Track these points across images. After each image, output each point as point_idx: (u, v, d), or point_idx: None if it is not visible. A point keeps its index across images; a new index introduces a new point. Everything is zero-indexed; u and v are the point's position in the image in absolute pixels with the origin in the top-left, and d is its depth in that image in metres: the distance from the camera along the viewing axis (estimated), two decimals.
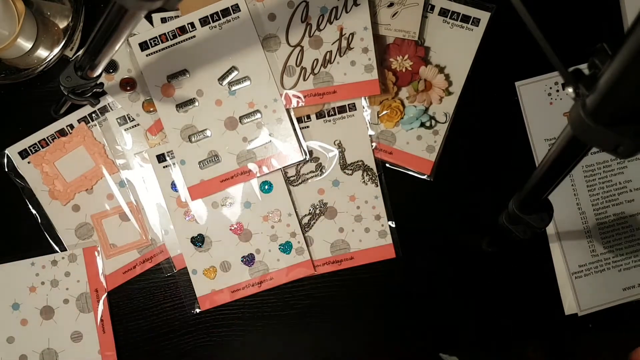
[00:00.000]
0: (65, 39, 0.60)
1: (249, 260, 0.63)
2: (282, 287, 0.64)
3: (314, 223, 0.64)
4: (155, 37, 0.61)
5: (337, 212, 0.64)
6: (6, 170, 0.62)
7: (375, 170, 0.64)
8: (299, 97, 0.63)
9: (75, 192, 0.63)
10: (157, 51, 0.61)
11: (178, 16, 0.62)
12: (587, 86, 0.29)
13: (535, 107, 0.65)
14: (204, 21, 0.61)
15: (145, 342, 0.64)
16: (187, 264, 0.63)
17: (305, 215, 0.64)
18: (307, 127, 0.64)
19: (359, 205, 0.64)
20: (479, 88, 0.64)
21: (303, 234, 0.64)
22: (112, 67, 0.62)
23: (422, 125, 0.64)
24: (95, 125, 0.63)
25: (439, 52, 0.64)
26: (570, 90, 0.30)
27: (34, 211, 0.63)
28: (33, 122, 0.62)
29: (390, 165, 0.65)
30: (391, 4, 0.63)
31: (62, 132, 0.63)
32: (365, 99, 0.64)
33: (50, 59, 0.60)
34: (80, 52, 0.52)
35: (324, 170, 0.64)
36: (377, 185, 0.64)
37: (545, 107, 0.65)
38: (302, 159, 0.63)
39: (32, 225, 0.63)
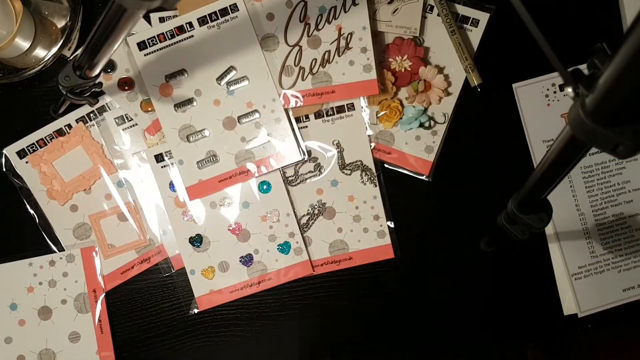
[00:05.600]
0: (63, 38, 0.60)
1: (247, 260, 0.63)
2: (281, 287, 0.64)
3: (313, 223, 0.64)
4: (154, 37, 0.61)
5: (335, 212, 0.64)
6: (4, 170, 0.62)
7: (373, 170, 0.64)
8: (297, 97, 0.63)
9: (73, 192, 0.63)
10: (155, 51, 0.61)
11: (176, 16, 0.62)
12: (586, 86, 0.29)
13: (532, 108, 0.65)
14: (202, 21, 0.61)
15: (143, 342, 0.64)
16: (185, 264, 0.63)
17: (304, 216, 0.64)
18: (306, 127, 0.64)
19: (358, 205, 0.64)
20: (478, 89, 0.64)
21: (301, 234, 0.64)
22: (110, 66, 0.62)
23: (421, 125, 0.64)
24: (93, 125, 0.63)
25: (438, 53, 0.64)
26: (569, 90, 0.30)
27: (31, 211, 0.63)
28: (31, 121, 0.62)
29: (388, 165, 0.65)
30: (391, 1, 0.63)
31: (60, 132, 0.62)
32: (364, 99, 0.64)
33: (48, 59, 0.60)
34: (79, 52, 0.52)
35: (322, 170, 0.64)
36: (376, 186, 0.64)
37: (543, 109, 0.65)
38: (300, 159, 0.63)
39: (30, 225, 0.63)
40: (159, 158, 0.63)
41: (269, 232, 0.63)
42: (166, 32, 0.61)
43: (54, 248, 0.63)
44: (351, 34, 0.62)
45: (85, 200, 0.63)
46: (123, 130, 0.63)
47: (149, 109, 0.62)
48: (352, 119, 0.64)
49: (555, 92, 0.65)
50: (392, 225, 0.64)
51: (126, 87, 0.62)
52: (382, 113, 0.64)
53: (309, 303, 0.65)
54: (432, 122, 0.64)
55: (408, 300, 0.65)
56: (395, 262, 0.64)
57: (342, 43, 0.63)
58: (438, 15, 0.63)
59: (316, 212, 0.64)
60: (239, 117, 0.62)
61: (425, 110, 0.64)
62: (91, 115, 0.63)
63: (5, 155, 0.62)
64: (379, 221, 0.64)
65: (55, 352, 0.62)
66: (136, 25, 0.45)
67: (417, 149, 0.64)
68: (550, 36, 0.30)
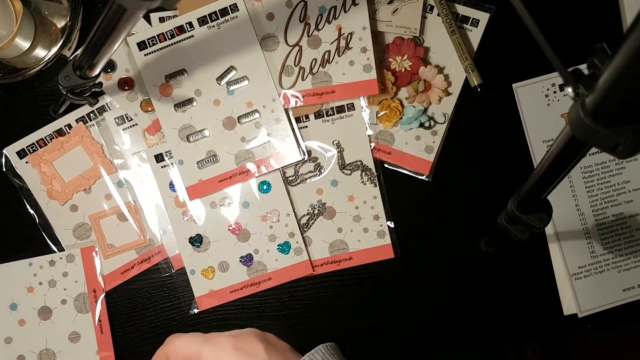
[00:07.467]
0: (63, 38, 0.60)
1: (247, 260, 0.63)
2: (281, 288, 0.64)
3: (313, 223, 0.64)
4: (154, 37, 0.61)
5: (335, 212, 0.64)
6: (4, 170, 0.62)
7: (373, 170, 0.64)
8: (297, 97, 0.63)
9: (73, 192, 0.63)
10: (155, 51, 0.61)
11: (176, 16, 0.62)
12: (586, 86, 0.29)
13: (532, 108, 0.65)
14: (202, 21, 0.61)
15: (143, 342, 0.64)
16: (185, 264, 0.63)
17: (304, 216, 0.64)
18: (306, 127, 0.64)
19: (358, 205, 0.64)
20: (478, 89, 0.64)
21: (301, 234, 0.64)
22: (110, 66, 0.62)
23: (421, 125, 0.64)
24: (93, 125, 0.63)
25: (438, 53, 0.64)
26: (569, 90, 0.30)
27: (31, 211, 0.63)
28: (31, 121, 0.62)
29: (388, 165, 0.65)
30: (391, 1, 0.63)
31: (60, 132, 0.62)
32: (364, 99, 0.64)
33: (48, 59, 0.60)
34: (79, 52, 0.52)
35: (322, 170, 0.64)
36: (376, 186, 0.64)
37: (543, 109, 0.65)
38: (300, 159, 0.63)
39: (30, 225, 0.63)
40: (159, 158, 0.63)
41: (269, 232, 0.63)
42: (166, 32, 0.61)
43: (54, 248, 0.63)
44: (351, 34, 0.62)
45: (85, 200, 0.63)
46: (123, 130, 0.63)
47: (149, 109, 0.62)
48: (352, 119, 0.64)
49: (555, 92, 0.65)
50: (392, 225, 0.64)
51: (126, 87, 0.62)
52: (382, 113, 0.64)
53: (309, 303, 0.65)
54: (432, 122, 0.64)
55: (408, 300, 0.65)
56: (395, 262, 0.64)
57: (342, 43, 0.63)
58: (438, 15, 0.63)
59: (316, 212, 0.64)
60: (239, 117, 0.62)
61: (425, 110, 0.64)
62: (91, 115, 0.63)
63: (5, 155, 0.62)
64: (379, 221, 0.64)
65: (55, 352, 0.62)
66: (136, 25, 0.45)
67: (417, 149, 0.64)
68: (550, 36, 0.30)
